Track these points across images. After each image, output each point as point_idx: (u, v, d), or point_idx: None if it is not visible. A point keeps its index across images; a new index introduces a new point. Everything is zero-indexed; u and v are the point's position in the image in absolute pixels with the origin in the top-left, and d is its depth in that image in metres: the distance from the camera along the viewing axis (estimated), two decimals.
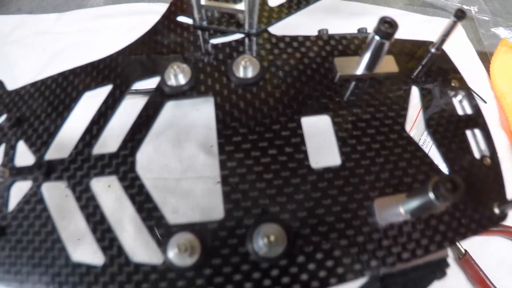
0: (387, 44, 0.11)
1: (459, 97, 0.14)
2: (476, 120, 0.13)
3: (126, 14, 0.33)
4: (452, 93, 0.14)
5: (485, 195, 0.12)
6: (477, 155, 0.13)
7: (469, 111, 0.14)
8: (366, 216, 0.10)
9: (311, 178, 0.11)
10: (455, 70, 0.14)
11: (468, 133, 0.14)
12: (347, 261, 0.10)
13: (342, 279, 0.10)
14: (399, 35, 0.18)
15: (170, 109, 0.27)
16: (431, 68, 0.14)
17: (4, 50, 0.33)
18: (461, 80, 0.14)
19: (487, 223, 0.12)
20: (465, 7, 0.39)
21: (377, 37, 0.11)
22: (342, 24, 0.31)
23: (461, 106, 0.14)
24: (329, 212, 0.10)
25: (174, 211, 0.19)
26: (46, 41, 0.32)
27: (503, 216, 0.12)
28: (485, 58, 0.35)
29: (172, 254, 0.09)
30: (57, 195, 0.13)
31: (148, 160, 0.23)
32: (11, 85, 0.16)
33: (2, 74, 0.29)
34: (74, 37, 0.32)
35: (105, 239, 0.10)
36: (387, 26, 0.11)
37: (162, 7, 0.37)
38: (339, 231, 0.10)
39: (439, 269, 0.11)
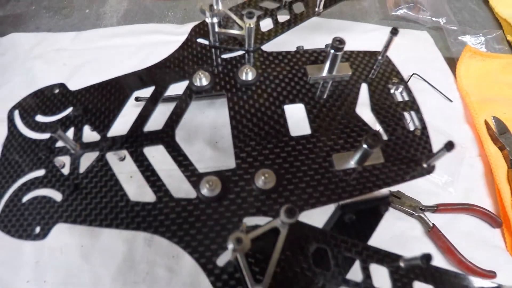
0: (339, 55, 0.18)
1: (400, 89, 0.21)
2: (412, 105, 0.21)
3: (137, 33, 0.42)
4: (394, 87, 0.21)
5: (416, 155, 0.19)
6: (411, 128, 0.20)
7: (406, 98, 0.21)
8: (328, 166, 0.17)
9: (291, 143, 0.18)
10: (396, 71, 0.22)
11: (407, 115, 0.21)
12: (316, 195, 0.17)
13: (313, 206, 0.16)
14: (373, 46, 0.26)
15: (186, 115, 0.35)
16: (379, 70, 0.22)
17: (28, 64, 0.41)
18: (401, 78, 0.22)
19: (417, 174, 0.19)
20: (434, 19, 0.48)
21: (332, 51, 0.18)
22: (323, 40, 0.39)
23: (401, 96, 0.21)
24: (303, 164, 0.17)
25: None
26: (66, 57, 0.40)
27: (430, 169, 0.19)
28: (453, 63, 0.44)
29: (203, 189, 0.16)
30: (115, 162, 0.19)
31: (162, 155, 0.30)
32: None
33: (28, 86, 0.37)
34: (91, 53, 0.40)
35: (155, 185, 0.17)
36: (337, 43, 0.18)
37: (169, 27, 0.46)
38: (310, 176, 0.17)
39: (383, 203, 0.18)
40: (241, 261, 0.13)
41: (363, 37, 0.45)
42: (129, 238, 0.29)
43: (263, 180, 0.16)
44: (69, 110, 0.20)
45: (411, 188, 0.33)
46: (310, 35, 0.40)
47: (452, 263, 0.30)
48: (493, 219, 0.33)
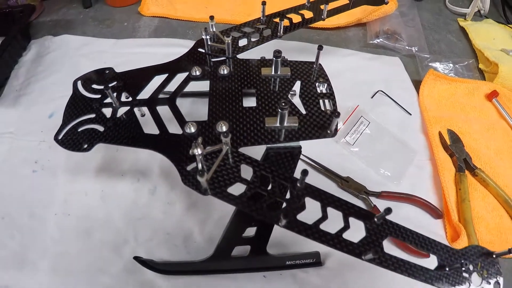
0: (279, 61, 0.35)
1: (325, 85, 0.37)
2: (330, 95, 0.36)
3: (163, 45, 0.62)
4: (321, 84, 0.37)
5: (327, 126, 0.34)
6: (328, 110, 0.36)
7: (326, 91, 0.37)
8: (263, 124, 0.33)
9: (243, 111, 0.34)
10: (325, 75, 0.38)
11: (326, 102, 0.36)
12: (253, 138, 0.32)
13: (252, 144, 0.32)
14: (349, 67, 0.45)
15: (188, 105, 0.53)
16: (313, 74, 0.38)
17: (74, 60, 0.61)
18: (326, 79, 0.37)
19: (323, 135, 0.33)
20: (408, 47, 0.64)
21: (274, 58, 0.35)
22: (306, 59, 0.57)
23: (326, 90, 0.37)
24: (248, 122, 0.33)
25: None
26: (106, 57, 0.60)
27: (334, 134, 0.34)
28: (419, 85, 0.59)
29: (186, 128, 0.32)
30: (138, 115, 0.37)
31: (167, 111, 0.48)
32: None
33: (73, 75, 0.56)
34: (127, 57, 0.60)
35: (160, 125, 0.34)
36: (277, 53, 0.35)
37: (187, 42, 0.68)
38: (251, 128, 0.33)
39: (296, 151, 0.33)
40: (198, 161, 0.28)
41: (342, 59, 0.63)
42: (138, 188, 0.46)
43: (220, 126, 0.32)
44: (114, 83, 0.38)
45: (362, 177, 0.47)
46: (298, 56, 0.58)
47: (389, 240, 0.42)
48: (434, 211, 0.46)
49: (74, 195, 0.46)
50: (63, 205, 0.45)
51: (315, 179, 0.48)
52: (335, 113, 0.31)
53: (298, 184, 0.28)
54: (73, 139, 0.34)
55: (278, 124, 0.32)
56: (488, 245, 0.43)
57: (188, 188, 0.29)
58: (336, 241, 0.27)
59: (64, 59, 0.61)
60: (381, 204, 0.46)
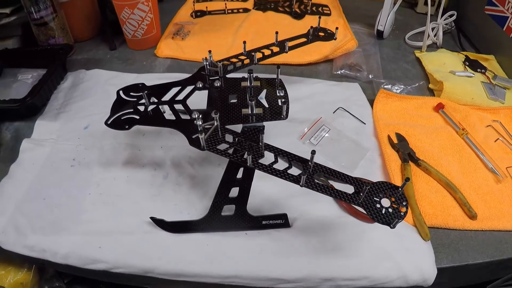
0: (251, 76, 0.63)
1: (282, 92, 0.64)
2: (284, 97, 0.63)
3: (174, 78, 0.91)
4: (279, 91, 0.64)
5: (278, 112, 0.60)
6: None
7: (282, 94, 0.63)
8: (241, 112, 0.60)
9: (228, 107, 0.61)
10: (283, 85, 0.65)
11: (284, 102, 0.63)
12: (236, 120, 0.58)
13: (236, 123, 0.58)
14: (315, 92, 0.81)
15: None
16: (275, 84, 0.65)
17: (105, 88, 0.91)
18: (284, 88, 0.64)
19: (277, 118, 0.59)
20: (365, 73, 0.93)
21: (248, 74, 0.63)
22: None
23: (282, 93, 0.64)
24: (233, 112, 0.60)
25: None
26: None
27: (285, 116, 0.60)
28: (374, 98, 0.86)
29: (193, 115, 0.59)
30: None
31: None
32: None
33: (105, 99, 0.86)
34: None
35: (176, 114, 0.60)
36: (250, 71, 0.62)
37: None
38: (236, 115, 0.59)
39: (260, 129, 0.59)
40: (200, 127, 0.54)
41: (311, 86, 0.92)
42: (154, 175, 0.71)
43: (214, 112, 0.59)
44: (145, 91, 0.66)
45: (326, 152, 0.72)
46: None
47: (344, 210, 0.65)
48: None
49: (105, 180, 0.70)
50: (95, 187, 0.69)
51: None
52: (285, 103, 0.58)
53: (260, 143, 0.54)
54: (118, 123, 0.60)
55: (249, 112, 0.59)
56: (432, 216, 0.61)
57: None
58: (283, 174, 0.51)
59: (96, 87, 0.91)
60: (336, 185, 0.70)
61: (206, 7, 1.19)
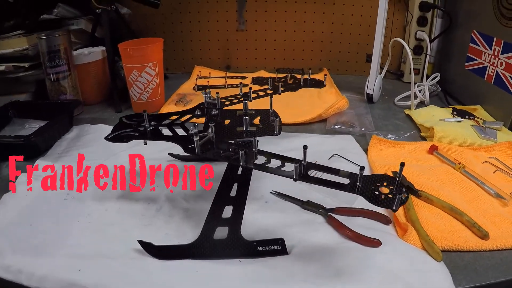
0: (247, 102, 0.69)
1: (278, 118, 0.70)
2: (276, 117, 0.68)
3: None
4: (274, 118, 0.70)
5: (271, 129, 0.64)
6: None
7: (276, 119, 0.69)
8: (235, 130, 0.64)
9: (225, 127, 0.66)
10: (276, 114, 0.71)
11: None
12: (231, 136, 0.62)
13: (232, 139, 0.61)
14: (305, 142, 0.83)
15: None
16: (270, 113, 0.71)
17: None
18: (277, 115, 0.70)
19: (272, 133, 0.63)
20: (358, 128, 1.00)
21: (244, 101, 0.69)
22: (281, 141, 0.92)
23: (275, 119, 0.69)
24: (228, 129, 0.64)
25: None
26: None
27: (278, 132, 0.63)
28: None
29: (191, 130, 0.63)
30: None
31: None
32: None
33: (105, 148, 0.90)
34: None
35: (174, 133, 0.65)
36: (245, 98, 0.69)
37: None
38: (231, 132, 0.63)
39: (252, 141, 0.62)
40: (195, 135, 0.58)
41: (305, 139, 0.99)
42: (147, 207, 0.71)
43: (210, 122, 0.63)
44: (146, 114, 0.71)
45: (320, 202, 0.72)
46: (275, 141, 0.93)
47: (346, 237, 0.61)
48: (383, 217, 0.68)
49: (96, 211, 0.70)
50: (86, 217, 0.68)
51: (281, 204, 0.72)
52: (277, 121, 0.63)
53: (254, 149, 0.56)
54: (117, 138, 0.64)
55: (243, 129, 0.63)
56: (440, 239, 0.58)
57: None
58: (278, 171, 0.53)
59: (99, 140, 0.95)
60: (337, 217, 0.69)
61: (208, 82, 1.34)
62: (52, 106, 0.99)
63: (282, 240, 0.60)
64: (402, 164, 0.49)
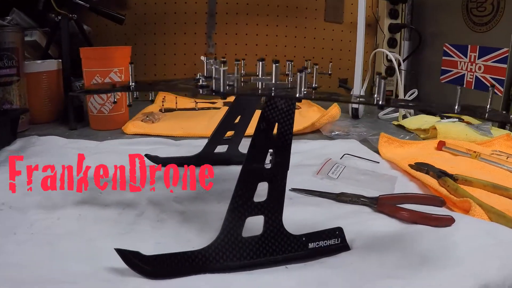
0: (277, 66, 0.59)
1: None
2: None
3: (146, 142, 0.84)
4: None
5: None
6: None
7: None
8: None
9: None
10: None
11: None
12: None
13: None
14: (317, 147, 0.85)
15: None
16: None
17: (63, 151, 0.78)
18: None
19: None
20: (355, 135, 0.94)
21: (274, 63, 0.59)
22: None
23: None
24: None
25: None
26: (91, 148, 0.79)
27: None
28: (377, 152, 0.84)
29: None
30: None
31: None
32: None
33: (61, 157, 0.72)
34: (105, 149, 0.79)
35: None
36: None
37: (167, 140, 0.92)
38: None
39: None
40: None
41: (306, 144, 0.91)
42: (123, 213, 0.54)
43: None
44: None
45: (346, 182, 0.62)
46: None
47: (407, 221, 0.51)
48: (436, 200, 0.56)
49: (43, 221, 0.50)
50: (27, 228, 0.48)
51: (310, 199, 0.60)
52: None
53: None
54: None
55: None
56: (507, 211, 0.53)
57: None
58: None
59: (52, 150, 0.77)
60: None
61: (176, 104, 1.21)
62: None
63: (340, 230, 0.45)
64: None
